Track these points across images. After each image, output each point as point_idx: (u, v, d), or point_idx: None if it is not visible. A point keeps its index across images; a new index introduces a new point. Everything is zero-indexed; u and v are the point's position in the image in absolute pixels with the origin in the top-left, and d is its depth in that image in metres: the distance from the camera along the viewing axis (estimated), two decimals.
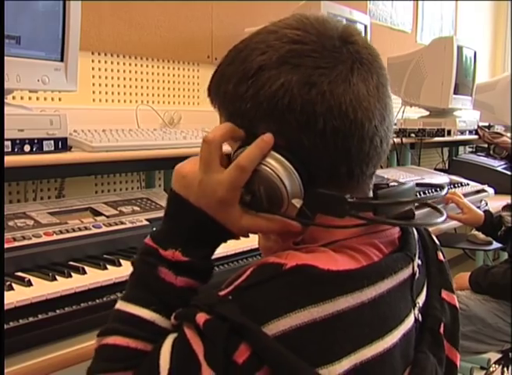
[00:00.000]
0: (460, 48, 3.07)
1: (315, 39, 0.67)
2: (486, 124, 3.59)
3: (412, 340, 0.71)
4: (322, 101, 0.64)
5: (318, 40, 0.67)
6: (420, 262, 0.76)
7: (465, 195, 2.32)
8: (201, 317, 0.60)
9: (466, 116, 3.42)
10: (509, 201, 2.22)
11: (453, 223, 2.20)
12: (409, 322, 0.70)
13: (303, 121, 0.65)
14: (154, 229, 0.73)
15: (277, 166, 0.66)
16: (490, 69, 5.03)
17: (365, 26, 2.56)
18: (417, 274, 0.74)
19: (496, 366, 1.93)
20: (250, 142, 0.67)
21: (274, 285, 0.61)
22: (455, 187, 2.46)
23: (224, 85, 0.70)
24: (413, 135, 2.86)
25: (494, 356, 2.05)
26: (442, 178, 2.52)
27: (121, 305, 0.68)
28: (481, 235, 2.27)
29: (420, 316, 0.74)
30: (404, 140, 2.84)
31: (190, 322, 0.61)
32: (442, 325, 0.76)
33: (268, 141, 0.66)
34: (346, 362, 0.60)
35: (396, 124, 3.06)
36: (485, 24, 4.97)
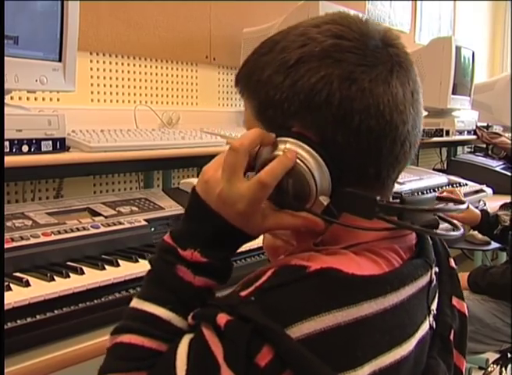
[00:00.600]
0: (458, 49, 3.07)
1: (358, 37, 0.66)
2: (485, 124, 3.59)
3: (426, 347, 0.71)
4: (361, 98, 0.64)
5: (360, 38, 0.66)
6: (437, 269, 0.76)
7: (464, 195, 2.33)
8: (222, 318, 0.59)
9: (464, 116, 3.42)
10: (507, 201, 2.23)
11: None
12: (424, 329, 0.70)
13: (339, 116, 0.64)
14: (170, 229, 0.72)
15: (309, 160, 0.65)
16: (488, 69, 5.03)
17: None
18: (434, 281, 0.74)
19: (494, 366, 1.93)
20: (281, 135, 0.66)
21: (298, 287, 0.60)
22: (453, 187, 2.47)
23: (257, 74, 0.69)
24: None
25: (492, 356, 2.05)
26: (440, 178, 2.52)
27: (136, 303, 0.67)
28: (479, 235, 2.27)
29: (434, 322, 0.74)
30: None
31: (209, 322, 0.60)
32: (452, 332, 0.76)
33: (291, 158, 0.64)
34: (367, 368, 0.60)
35: None
36: (483, 24, 4.97)
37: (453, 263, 0.82)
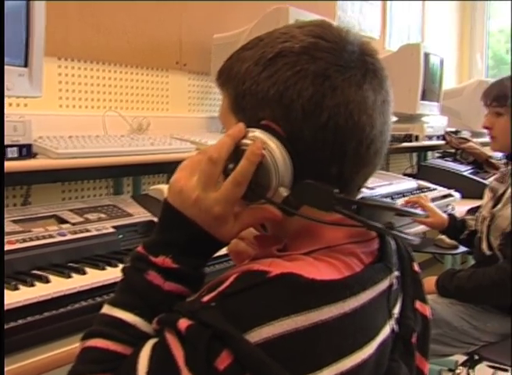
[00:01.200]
0: (427, 55, 3.12)
1: (337, 40, 0.69)
2: (454, 130, 3.64)
3: (387, 350, 0.71)
4: (332, 95, 0.66)
5: (339, 41, 0.69)
6: (398, 273, 0.77)
7: (433, 200, 2.36)
8: (184, 323, 0.60)
9: (434, 121, 3.47)
10: (474, 206, 2.26)
11: (421, 228, 2.22)
12: (385, 332, 0.71)
13: (309, 111, 0.66)
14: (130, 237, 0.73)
15: (273, 152, 0.66)
16: (457, 75, 5.11)
17: None
18: (395, 285, 0.75)
19: (462, 367, 1.96)
20: (251, 126, 0.68)
21: (258, 293, 0.61)
22: (423, 191, 2.50)
23: (238, 66, 0.71)
24: None
25: (462, 358, 2.08)
26: (410, 183, 2.55)
27: (106, 309, 0.69)
28: (447, 239, 2.30)
29: (396, 326, 0.74)
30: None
31: (172, 327, 0.61)
32: (414, 335, 0.77)
33: (258, 154, 0.66)
34: (327, 372, 0.61)
35: None
36: (452, 32, 5.05)
37: (416, 267, 0.84)
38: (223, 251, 0.73)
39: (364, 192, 2.20)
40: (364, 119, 0.67)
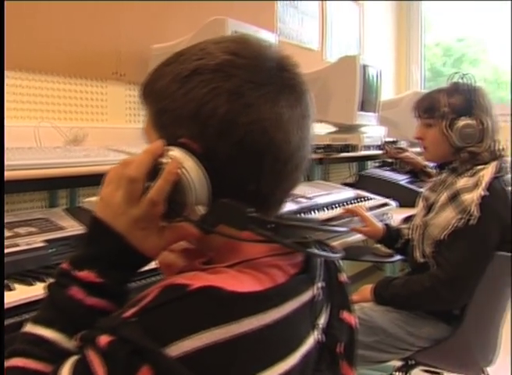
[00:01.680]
0: (364, 67, 3.18)
1: (253, 56, 0.70)
2: (392, 140, 3.73)
3: (312, 360, 0.72)
4: (247, 113, 0.67)
5: (255, 58, 0.70)
6: (323, 283, 0.78)
7: (370, 209, 2.40)
8: (104, 339, 0.60)
9: (372, 132, 3.54)
10: (409, 214, 2.32)
11: (359, 236, 2.26)
12: (309, 343, 0.71)
13: (223, 129, 0.67)
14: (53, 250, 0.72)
15: (190, 171, 0.67)
16: (395, 87, 5.25)
17: None
18: (319, 296, 0.76)
19: (398, 373, 2.00)
20: (171, 143, 0.68)
21: (178, 306, 0.61)
22: (360, 200, 2.54)
23: (158, 83, 0.71)
24: (320, 151, 2.93)
25: (398, 364, 2.12)
26: (348, 193, 2.60)
27: (28, 327, 0.68)
28: (383, 248, 2.35)
29: (323, 336, 0.75)
30: (313, 155, 2.91)
31: (93, 343, 0.60)
32: (340, 344, 0.79)
33: (174, 172, 0.66)
34: None
35: None
36: (390, 43, 5.19)
37: (343, 278, 0.85)
38: (151, 265, 0.73)
39: (302, 202, 2.24)
40: (280, 135, 0.68)
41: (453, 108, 1.91)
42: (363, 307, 1.96)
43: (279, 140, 0.68)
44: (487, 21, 5.34)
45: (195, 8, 2.69)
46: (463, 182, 1.85)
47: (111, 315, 0.66)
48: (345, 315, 0.83)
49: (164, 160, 0.67)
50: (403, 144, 3.66)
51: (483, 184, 1.78)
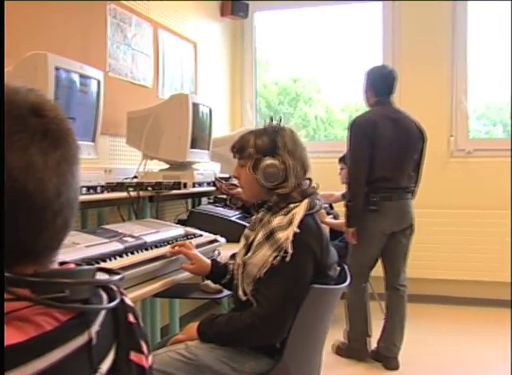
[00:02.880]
0: (195, 105, 3.24)
1: (5, 105, 0.68)
2: (227, 176, 3.82)
3: None
4: None
5: (6, 106, 0.68)
6: (99, 327, 0.76)
7: (199, 246, 2.42)
8: None
9: (206, 168, 3.61)
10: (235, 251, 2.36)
11: (187, 274, 2.26)
12: None
13: None
14: None
15: None
16: (230, 123, 5.42)
17: (98, 82, 2.57)
18: (95, 340, 0.74)
19: None
20: None
21: None
22: (189, 238, 2.55)
23: None
24: (150, 188, 2.92)
25: None
26: (177, 230, 2.60)
27: None
28: (212, 284, 2.38)
29: None
30: (142, 193, 2.89)
31: None
32: None
33: None
34: None
35: (136, 177, 3.10)
36: (224, 82, 5.36)
37: (131, 318, 0.85)
38: None
39: (129, 241, 2.19)
40: (32, 184, 0.67)
41: (258, 149, 2.00)
42: (188, 346, 1.95)
43: (31, 189, 0.67)
44: (320, 62, 5.72)
45: (20, 41, 2.59)
46: (277, 220, 1.93)
47: None
48: (133, 356, 0.82)
49: None
50: (235, 180, 3.76)
51: (296, 222, 1.87)
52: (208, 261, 2.19)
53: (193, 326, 2.00)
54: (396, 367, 3.51)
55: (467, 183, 5.05)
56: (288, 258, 1.83)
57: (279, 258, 1.85)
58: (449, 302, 4.94)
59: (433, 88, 5.14)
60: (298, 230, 1.86)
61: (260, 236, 1.94)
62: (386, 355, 3.55)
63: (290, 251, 1.83)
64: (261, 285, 1.89)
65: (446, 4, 5.08)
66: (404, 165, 3.52)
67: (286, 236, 1.86)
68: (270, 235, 1.90)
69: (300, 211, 1.90)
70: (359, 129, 3.46)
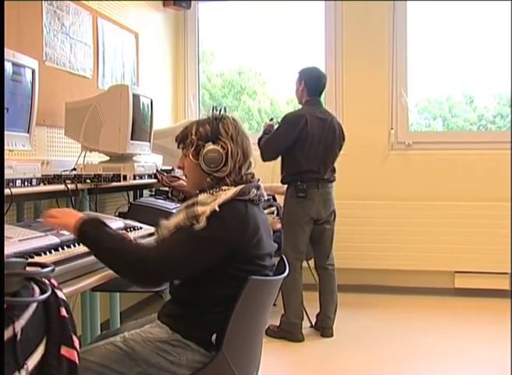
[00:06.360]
0: (136, 96, 3.19)
1: None
2: (169, 168, 3.78)
3: None
4: None
5: None
6: (27, 321, 0.74)
7: (139, 238, 2.39)
8: None
9: (147, 160, 3.56)
10: None
11: None
12: None
13: None
14: None
15: None
16: (173, 115, 5.37)
17: (33, 70, 2.50)
18: (20, 335, 0.72)
19: None
20: None
21: None
22: (130, 230, 2.52)
23: None
24: (88, 181, 2.87)
25: None
26: (117, 223, 2.55)
27: None
28: None
29: None
30: (80, 185, 2.83)
31: None
32: None
33: None
34: None
35: (75, 169, 3.04)
36: (167, 73, 5.30)
37: (64, 312, 0.83)
38: None
39: (65, 234, 2.14)
40: None
41: (200, 136, 2.00)
42: (126, 339, 1.94)
43: None
44: (265, 55, 5.73)
45: None
46: (203, 197, 1.93)
47: None
48: (64, 351, 0.80)
49: None
50: (177, 172, 3.73)
51: (219, 200, 1.88)
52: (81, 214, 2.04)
53: (74, 216, 1.94)
54: (330, 335, 4.10)
55: (407, 175, 5.18)
56: (196, 228, 1.84)
57: (188, 224, 1.87)
58: (375, 291, 5.07)
59: (374, 83, 5.24)
60: (218, 209, 1.86)
61: (181, 206, 1.95)
62: (322, 326, 4.13)
63: (202, 224, 1.84)
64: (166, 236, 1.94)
65: (388, 4, 5.19)
66: (328, 160, 4.08)
67: (204, 210, 1.86)
68: (191, 206, 1.92)
69: (227, 193, 1.91)
70: (290, 122, 4.00)
